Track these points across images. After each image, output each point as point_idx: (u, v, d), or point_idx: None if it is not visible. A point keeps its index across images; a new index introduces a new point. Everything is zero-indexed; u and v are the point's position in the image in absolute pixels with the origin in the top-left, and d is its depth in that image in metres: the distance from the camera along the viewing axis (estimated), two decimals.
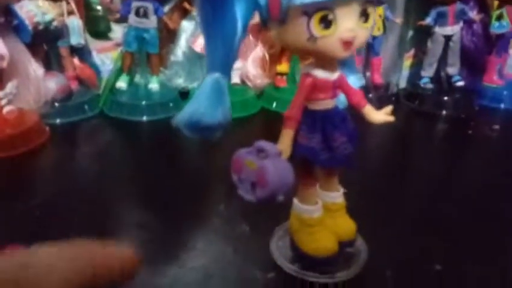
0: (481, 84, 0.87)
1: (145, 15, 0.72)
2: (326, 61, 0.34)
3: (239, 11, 0.33)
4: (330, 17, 0.30)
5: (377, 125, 0.37)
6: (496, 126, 0.76)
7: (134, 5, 0.72)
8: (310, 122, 0.35)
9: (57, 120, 0.71)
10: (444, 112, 0.82)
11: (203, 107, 0.33)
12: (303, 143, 0.34)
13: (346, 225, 0.40)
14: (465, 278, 0.40)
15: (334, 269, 0.38)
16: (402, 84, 0.92)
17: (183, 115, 0.34)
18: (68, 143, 0.68)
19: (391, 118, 0.37)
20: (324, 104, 0.35)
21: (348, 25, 0.31)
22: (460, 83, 0.85)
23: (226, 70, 0.34)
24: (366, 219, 0.45)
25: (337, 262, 0.39)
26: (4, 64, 0.61)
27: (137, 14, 0.72)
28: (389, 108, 0.38)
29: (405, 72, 0.92)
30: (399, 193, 0.55)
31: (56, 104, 0.71)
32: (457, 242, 0.44)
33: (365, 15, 0.32)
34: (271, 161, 0.32)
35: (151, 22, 0.73)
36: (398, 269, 0.40)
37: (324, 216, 0.39)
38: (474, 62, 0.87)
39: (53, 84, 0.70)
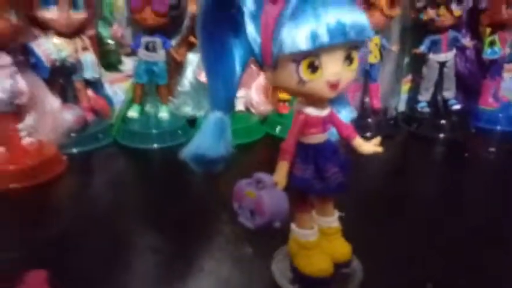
0: (476, 107, 0.90)
1: (154, 49, 0.77)
2: (315, 100, 0.38)
3: (237, 55, 0.37)
4: (317, 63, 0.34)
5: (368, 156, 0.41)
6: (492, 149, 0.79)
7: (144, 39, 0.77)
8: (303, 154, 0.38)
9: (74, 150, 0.75)
10: (441, 135, 0.85)
11: (207, 142, 0.38)
12: (297, 175, 0.38)
13: (341, 248, 0.43)
14: None
15: None
16: (402, 107, 0.95)
17: (189, 150, 0.38)
18: (85, 171, 0.72)
19: (380, 149, 0.40)
20: (316, 138, 0.39)
21: (333, 69, 0.35)
22: (456, 107, 0.89)
23: (228, 108, 0.39)
24: (363, 241, 0.48)
25: (333, 282, 0.42)
26: (24, 99, 0.66)
27: (146, 48, 0.77)
28: (377, 139, 0.41)
29: (404, 96, 0.96)
30: (396, 215, 0.58)
31: (73, 135, 0.75)
32: (453, 262, 0.47)
33: (349, 59, 0.35)
34: (268, 191, 0.35)
35: (160, 56, 0.78)
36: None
37: (321, 240, 0.43)
38: (469, 86, 0.90)
39: (69, 115, 0.74)
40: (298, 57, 0.33)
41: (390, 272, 0.45)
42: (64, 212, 0.61)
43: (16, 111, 0.66)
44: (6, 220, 0.57)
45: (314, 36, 0.32)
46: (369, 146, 0.40)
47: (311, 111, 0.38)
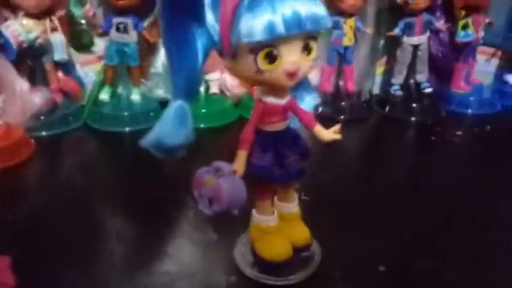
0: (448, 91, 0.92)
1: (125, 30, 0.76)
2: (275, 89, 0.38)
3: (200, 44, 0.37)
4: (275, 52, 0.34)
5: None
6: (459, 132, 0.81)
7: (115, 20, 0.76)
8: (262, 142, 0.39)
9: (43, 133, 0.75)
10: (413, 118, 0.87)
11: (167, 130, 0.38)
12: (255, 162, 0.38)
13: (301, 233, 0.45)
14: (409, 277, 0.44)
15: (289, 272, 0.42)
16: (376, 90, 0.96)
17: (149, 137, 0.38)
18: (54, 154, 0.72)
19: (339, 136, 0.41)
20: (276, 126, 0.39)
21: (291, 59, 0.35)
22: (428, 90, 0.90)
23: (190, 97, 0.39)
24: (326, 225, 0.50)
25: (292, 266, 0.43)
26: None
27: (118, 29, 0.76)
28: (337, 126, 0.41)
29: (378, 78, 0.96)
30: (361, 197, 0.59)
31: (42, 117, 0.75)
32: (403, 243, 0.49)
33: (307, 49, 0.36)
34: (226, 179, 0.36)
35: (131, 37, 0.77)
36: (345, 270, 0.44)
37: (281, 225, 0.44)
38: (442, 69, 0.91)
39: (38, 98, 0.73)
40: (256, 47, 0.34)
41: (348, 254, 0.47)
42: (31, 195, 0.61)
43: None
44: None
45: (271, 27, 0.32)
46: (329, 133, 0.41)
47: (270, 99, 0.38)
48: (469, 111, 0.90)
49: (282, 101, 0.39)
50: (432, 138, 0.79)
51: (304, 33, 0.34)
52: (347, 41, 0.85)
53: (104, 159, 0.75)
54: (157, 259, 0.45)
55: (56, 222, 0.53)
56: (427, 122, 0.86)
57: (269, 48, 0.34)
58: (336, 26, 0.84)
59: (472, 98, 0.90)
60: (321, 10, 0.35)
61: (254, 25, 0.32)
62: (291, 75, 0.36)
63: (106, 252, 0.47)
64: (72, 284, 0.43)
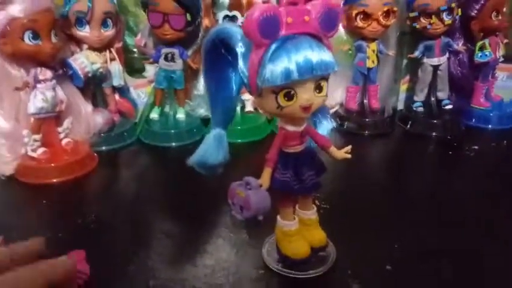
0: (469, 107, 0.97)
1: (173, 59, 0.87)
2: (293, 119, 0.47)
3: (234, 83, 0.47)
4: (292, 92, 0.43)
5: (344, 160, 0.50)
6: (475, 147, 0.86)
7: (164, 51, 0.87)
8: (284, 161, 0.48)
9: (103, 148, 0.86)
10: (433, 133, 0.93)
11: (208, 152, 0.48)
12: (278, 178, 0.48)
13: (318, 235, 0.53)
14: (413, 275, 0.52)
15: (307, 268, 0.51)
16: (401, 106, 1.03)
17: (194, 157, 0.48)
18: (113, 167, 0.84)
19: (349, 156, 0.50)
20: (295, 148, 0.48)
21: (305, 96, 0.43)
22: (449, 106, 0.96)
23: (225, 125, 0.48)
24: (341, 230, 0.58)
25: (310, 263, 0.52)
26: (63, 107, 0.77)
27: (166, 58, 0.87)
28: (348, 147, 0.50)
29: (402, 95, 1.03)
30: (376, 206, 0.67)
31: (102, 134, 0.87)
32: (410, 247, 0.57)
33: (319, 88, 0.44)
34: (254, 191, 0.45)
35: (178, 64, 0.88)
36: (355, 268, 0.52)
37: (301, 229, 0.53)
38: (462, 87, 0.97)
39: (99, 118, 0.86)
40: (276, 89, 0.42)
41: (359, 255, 0.55)
42: (96, 201, 0.72)
43: (56, 116, 0.78)
44: (50, 208, 0.69)
45: (287, 74, 0.41)
46: (341, 153, 0.49)
47: (290, 127, 0.47)
48: (489, 126, 0.95)
49: (300, 128, 0.48)
50: (450, 152, 0.85)
51: (315, 77, 0.43)
52: (370, 63, 0.93)
53: (154, 170, 0.86)
54: (199, 255, 0.55)
55: (117, 224, 0.64)
56: (447, 137, 0.91)
57: (287, 89, 0.42)
58: (360, 49, 0.92)
59: (491, 114, 0.95)
60: (329, 57, 0.43)
61: (274, 72, 0.41)
62: (306, 109, 0.44)
63: (157, 249, 0.57)
64: (132, 275, 0.53)
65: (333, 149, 0.50)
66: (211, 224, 0.62)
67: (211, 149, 0.48)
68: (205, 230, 0.61)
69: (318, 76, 0.43)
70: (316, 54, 0.42)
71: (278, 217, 0.52)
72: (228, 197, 0.48)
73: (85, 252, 0.52)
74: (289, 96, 0.43)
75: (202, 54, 0.47)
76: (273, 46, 0.41)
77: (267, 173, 0.47)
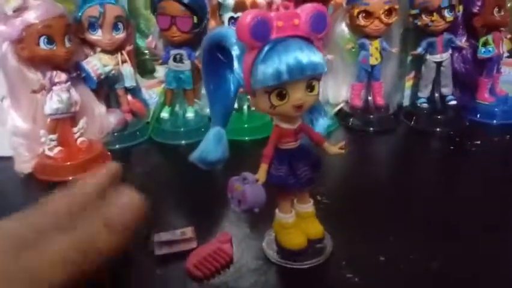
0: (473, 102, 0.98)
1: (181, 60, 0.91)
2: (287, 117, 0.50)
3: (231, 84, 0.50)
4: (284, 92, 0.45)
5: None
6: (478, 142, 0.87)
7: (172, 52, 0.90)
8: (280, 157, 0.51)
9: (117, 146, 0.90)
10: (437, 129, 0.94)
11: (208, 149, 0.51)
12: (273, 173, 0.50)
13: (315, 228, 0.56)
14: (405, 265, 0.54)
15: (304, 258, 0.54)
16: (406, 102, 1.05)
17: (195, 154, 0.52)
18: (126, 164, 0.87)
19: (343, 151, 0.52)
20: (290, 145, 0.51)
21: (297, 96, 0.45)
22: (453, 102, 0.97)
23: (225, 123, 0.51)
24: (339, 223, 0.60)
25: (307, 254, 0.54)
26: (77, 108, 0.82)
27: (174, 60, 0.91)
28: (342, 143, 0.53)
29: (408, 92, 1.05)
30: (376, 200, 0.69)
31: (115, 133, 0.91)
32: (404, 240, 0.59)
33: (310, 87, 0.47)
34: (250, 185, 0.48)
35: (186, 65, 0.91)
36: (350, 259, 0.55)
37: (299, 221, 0.55)
38: (466, 83, 0.98)
39: (112, 118, 0.90)
40: (268, 89, 0.45)
41: (355, 247, 0.57)
42: None
43: (72, 117, 0.82)
44: None
45: (278, 74, 0.44)
46: (335, 149, 0.52)
47: (284, 125, 0.50)
48: (494, 121, 0.96)
49: (294, 126, 0.50)
50: (451, 147, 0.87)
51: (306, 77, 0.46)
52: (374, 60, 0.95)
53: (165, 167, 0.89)
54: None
55: None
56: (450, 133, 0.92)
57: (279, 89, 0.45)
58: (363, 47, 0.94)
59: (496, 109, 0.96)
60: (319, 58, 0.45)
61: (266, 73, 0.43)
62: (298, 108, 0.47)
63: None
64: (140, 264, 0.57)
65: (326, 145, 0.52)
66: (216, 218, 0.65)
67: (211, 146, 0.51)
68: (210, 223, 0.64)
69: (308, 76, 0.45)
70: (306, 56, 0.44)
71: (276, 210, 0.55)
72: (227, 190, 0.51)
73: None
74: (281, 96, 0.46)
75: (200, 57, 0.50)
76: (265, 49, 0.44)
77: (263, 169, 0.50)
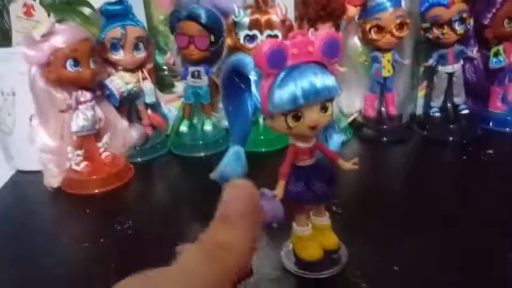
0: (485, 111, 0.99)
1: (199, 76, 0.94)
2: (302, 136, 0.53)
3: (249, 106, 0.53)
4: (299, 114, 0.48)
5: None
6: (490, 151, 0.89)
7: (190, 69, 0.94)
8: (296, 174, 0.54)
9: (139, 159, 0.94)
10: (450, 138, 0.95)
11: (228, 167, 0.54)
12: (291, 189, 0.53)
13: (331, 239, 0.58)
14: (418, 274, 0.57)
15: (320, 269, 0.57)
16: (419, 112, 1.06)
17: (216, 171, 0.55)
18: (148, 176, 0.92)
19: (356, 167, 0.55)
20: (305, 162, 0.54)
21: (312, 117, 0.48)
22: (465, 111, 0.98)
23: (243, 142, 0.54)
24: (353, 233, 0.63)
25: (323, 264, 0.57)
26: (102, 124, 0.86)
27: (193, 76, 0.95)
28: (356, 159, 0.55)
29: (421, 101, 1.06)
30: (389, 210, 0.71)
31: (137, 147, 0.95)
32: (417, 250, 0.61)
33: (324, 109, 0.50)
34: (268, 201, 0.51)
35: (203, 81, 0.95)
36: (365, 269, 0.57)
37: (315, 233, 0.58)
38: (478, 92, 1.00)
39: (134, 133, 0.94)
40: (285, 112, 0.48)
41: (369, 257, 0.60)
42: (134, 210, 0.79)
43: (96, 133, 0.86)
44: (93, 216, 0.77)
45: (294, 99, 0.47)
46: (349, 165, 0.55)
47: (300, 144, 0.53)
48: (507, 129, 0.97)
49: (309, 145, 0.53)
50: (464, 157, 0.88)
51: (320, 100, 0.49)
52: (386, 72, 0.97)
53: (185, 179, 0.93)
54: None
55: (151, 230, 0.71)
56: (463, 142, 0.94)
57: (295, 111, 0.48)
58: (375, 60, 0.96)
59: (509, 117, 0.97)
60: (332, 82, 0.48)
61: (283, 98, 0.46)
62: (313, 128, 0.49)
63: None
64: None
65: (340, 161, 0.55)
66: None
67: (231, 163, 0.54)
68: None
69: (322, 99, 0.48)
70: (320, 80, 0.47)
71: (293, 223, 0.58)
72: None
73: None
74: (297, 118, 0.48)
75: (219, 82, 0.53)
76: (281, 75, 0.47)
77: (281, 185, 0.53)
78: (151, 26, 1.05)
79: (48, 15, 0.81)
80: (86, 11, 0.86)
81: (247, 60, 0.50)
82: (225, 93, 0.54)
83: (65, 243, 0.72)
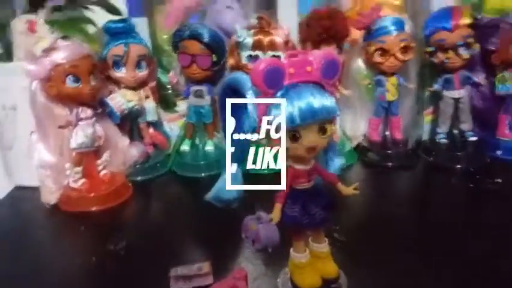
0: (493, 138, 0.97)
1: (201, 95, 0.93)
2: (300, 158, 0.51)
3: (246, 126, 0.51)
4: (297, 135, 0.47)
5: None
6: (498, 180, 0.86)
7: (192, 88, 0.93)
8: (293, 197, 0.52)
9: (138, 178, 0.93)
10: (457, 165, 0.93)
11: (223, 188, 0.53)
12: (287, 213, 0.51)
13: (330, 268, 0.56)
14: None
15: None
16: (425, 137, 1.04)
17: (211, 193, 0.53)
18: (147, 196, 0.90)
19: (356, 192, 0.53)
20: (303, 185, 0.52)
21: (309, 139, 0.47)
22: (473, 138, 0.96)
23: (241, 162, 0.53)
24: (355, 262, 0.60)
25: None
26: (101, 142, 0.85)
27: (195, 95, 0.94)
28: (355, 184, 0.53)
29: (426, 126, 1.04)
30: (391, 238, 0.69)
31: (137, 165, 0.94)
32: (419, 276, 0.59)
33: (322, 130, 0.48)
34: (264, 225, 0.49)
35: (206, 100, 0.94)
36: None
37: (314, 260, 0.56)
38: (485, 119, 0.97)
39: (135, 151, 0.93)
40: None
41: (371, 285, 0.57)
42: (131, 228, 0.78)
43: (96, 150, 0.85)
44: (89, 234, 0.76)
45: (291, 118, 0.45)
46: (348, 189, 0.53)
47: (298, 166, 0.51)
48: None
49: (307, 167, 0.51)
50: (471, 185, 0.86)
51: (318, 120, 0.47)
52: (390, 96, 0.95)
53: (185, 199, 0.91)
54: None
55: (148, 251, 0.69)
56: (470, 169, 0.91)
57: (293, 132, 0.47)
58: (379, 83, 0.95)
59: None
60: (330, 102, 0.46)
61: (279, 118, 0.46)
62: (311, 150, 0.48)
63: None
64: None
65: (340, 186, 0.53)
66: (233, 254, 0.66)
67: (225, 186, 0.52)
68: (228, 260, 0.65)
69: (320, 120, 0.47)
70: (318, 101, 0.46)
71: (291, 249, 0.56)
72: (241, 230, 0.52)
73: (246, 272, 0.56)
74: (294, 138, 0.47)
75: (217, 100, 0.52)
76: (278, 95, 0.46)
77: (277, 209, 0.51)
78: (155, 45, 1.05)
79: (52, 31, 0.82)
80: (91, 28, 0.86)
81: (244, 78, 0.49)
82: (222, 112, 0.52)
83: (57, 260, 0.70)
